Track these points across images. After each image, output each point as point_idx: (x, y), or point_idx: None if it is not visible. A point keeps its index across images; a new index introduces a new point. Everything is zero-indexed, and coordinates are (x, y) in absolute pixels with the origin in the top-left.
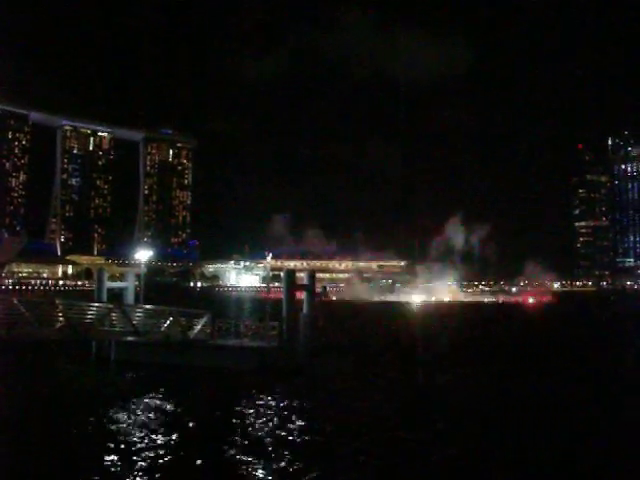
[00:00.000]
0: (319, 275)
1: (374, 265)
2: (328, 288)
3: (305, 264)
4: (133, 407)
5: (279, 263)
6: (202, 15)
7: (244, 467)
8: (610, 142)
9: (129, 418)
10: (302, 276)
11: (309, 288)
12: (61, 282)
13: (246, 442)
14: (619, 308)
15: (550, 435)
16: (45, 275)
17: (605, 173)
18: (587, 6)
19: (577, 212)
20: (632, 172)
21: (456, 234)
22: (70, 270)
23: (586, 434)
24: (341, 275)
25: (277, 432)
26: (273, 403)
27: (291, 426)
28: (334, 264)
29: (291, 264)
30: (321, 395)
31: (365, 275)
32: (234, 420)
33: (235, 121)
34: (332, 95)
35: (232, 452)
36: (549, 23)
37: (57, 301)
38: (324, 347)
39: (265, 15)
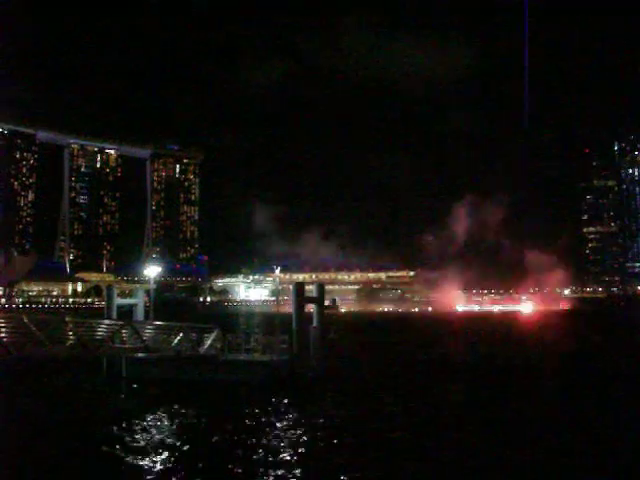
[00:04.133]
0: (328, 287)
1: (383, 276)
2: (338, 301)
3: (314, 276)
4: (145, 424)
5: (288, 276)
6: (206, 30)
7: None
8: (616, 147)
9: (141, 435)
10: (311, 288)
11: (318, 301)
12: (71, 300)
13: (258, 457)
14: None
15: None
16: (55, 293)
17: (612, 178)
18: (593, 8)
19: (585, 218)
20: (639, 176)
21: (460, 221)
22: (80, 288)
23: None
24: (350, 287)
25: (288, 447)
26: (284, 417)
27: (302, 440)
28: (342, 276)
29: (300, 277)
30: (332, 408)
31: (374, 286)
32: (246, 435)
33: (241, 134)
34: (334, 103)
35: (244, 467)
36: (553, 25)
37: (67, 319)
38: (335, 360)
39: (270, 27)
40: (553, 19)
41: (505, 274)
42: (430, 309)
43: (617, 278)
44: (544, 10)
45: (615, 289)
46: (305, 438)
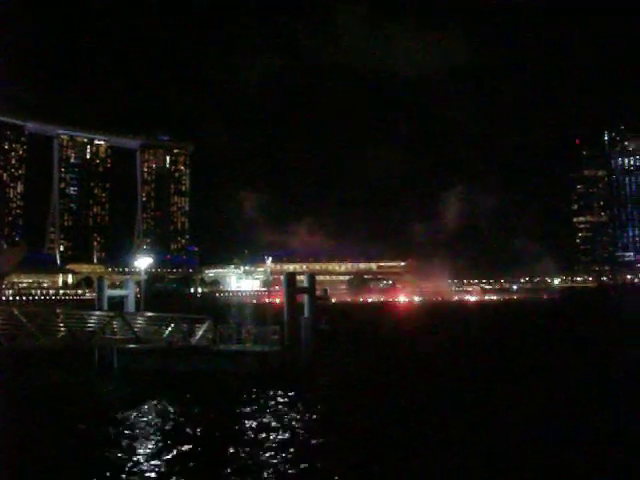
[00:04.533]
0: (319, 278)
1: (374, 266)
2: (329, 291)
3: (305, 267)
4: (136, 415)
5: (279, 267)
6: (198, 20)
7: (246, 473)
8: (606, 137)
9: (133, 426)
10: (302, 279)
11: (310, 291)
12: (61, 291)
13: (248, 448)
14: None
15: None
16: (45, 285)
17: (603, 168)
18: (582, 2)
19: (576, 207)
20: (629, 166)
21: (451, 211)
22: (70, 279)
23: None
24: (341, 277)
25: (278, 437)
26: (275, 408)
27: (292, 432)
28: (334, 266)
29: (291, 267)
30: (323, 400)
31: (365, 276)
32: (237, 426)
33: (231, 125)
34: (329, 96)
35: (235, 458)
36: (544, 18)
37: (58, 310)
38: (326, 349)
39: (263, 20)
40: (545, 13)
41: (495, 264)
42: (420, 299)
43: (607, 267)
44: (542, 9)
45: (605, 278)
46: (296, 430)
